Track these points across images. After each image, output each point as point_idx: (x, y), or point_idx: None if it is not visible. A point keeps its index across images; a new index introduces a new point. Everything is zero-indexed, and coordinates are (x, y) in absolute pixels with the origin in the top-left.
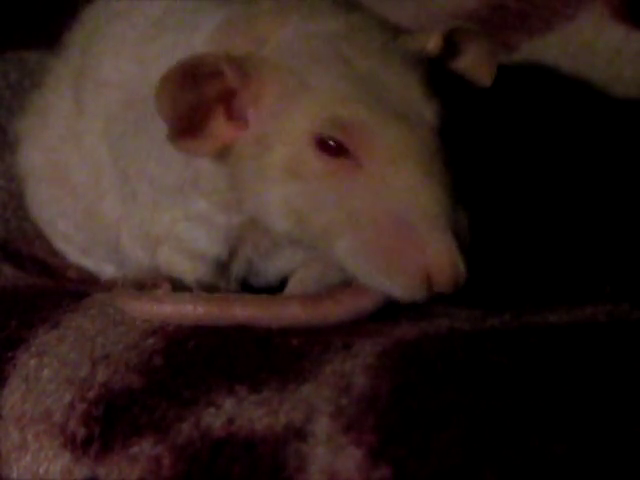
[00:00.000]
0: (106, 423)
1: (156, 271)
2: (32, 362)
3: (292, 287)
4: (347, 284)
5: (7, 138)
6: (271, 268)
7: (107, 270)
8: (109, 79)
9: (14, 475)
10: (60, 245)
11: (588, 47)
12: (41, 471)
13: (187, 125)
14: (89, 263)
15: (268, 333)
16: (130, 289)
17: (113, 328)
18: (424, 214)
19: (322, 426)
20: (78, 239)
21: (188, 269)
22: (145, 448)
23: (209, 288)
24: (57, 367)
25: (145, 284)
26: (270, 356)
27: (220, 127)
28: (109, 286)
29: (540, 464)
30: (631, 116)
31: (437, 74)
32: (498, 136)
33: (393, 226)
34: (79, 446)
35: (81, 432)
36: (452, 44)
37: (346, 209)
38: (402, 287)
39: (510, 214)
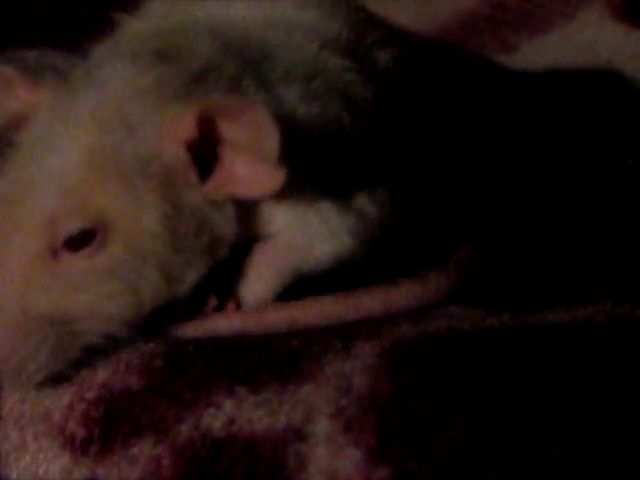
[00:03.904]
0: (106, 424)
1: None
2: None
3: None
4: None
5: None
6: None
7: None
8: None
9: (14, 476)
10: None
11: (588, 47)
12: (40, 472)
13: None
14: None
15: (268, 334)
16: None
17: None
18: None
19: (322, 426)
20: None
21: None
22: (145, 448)
23: None
24: None
25: None
26: (270, 357)
27: None
28: None
29: (540, 464)
30: (631, 116)
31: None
32: (498, 137)
33: None
34: (78, 447)
35: (80, 433)
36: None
37: None
38: None
39: (510, 214)
